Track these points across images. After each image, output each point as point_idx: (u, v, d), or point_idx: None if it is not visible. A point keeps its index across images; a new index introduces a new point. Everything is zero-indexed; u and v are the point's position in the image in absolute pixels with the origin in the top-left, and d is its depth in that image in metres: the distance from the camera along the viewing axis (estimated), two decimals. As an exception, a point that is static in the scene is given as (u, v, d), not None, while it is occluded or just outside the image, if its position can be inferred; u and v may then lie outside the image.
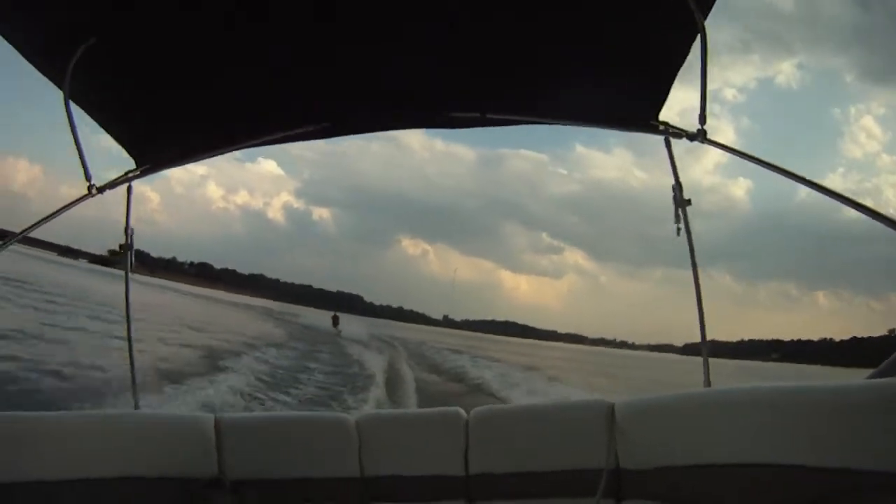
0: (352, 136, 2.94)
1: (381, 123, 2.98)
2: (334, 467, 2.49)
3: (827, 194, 2.10)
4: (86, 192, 2.58)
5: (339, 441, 2.52)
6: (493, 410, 2.60)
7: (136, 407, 2.86)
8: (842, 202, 2.05)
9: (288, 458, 2.50)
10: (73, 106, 2.43)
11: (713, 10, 2.08)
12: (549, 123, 2.91)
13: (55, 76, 2.33)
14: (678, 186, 2.58)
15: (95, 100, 2.52)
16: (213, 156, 3.01)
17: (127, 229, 2.85)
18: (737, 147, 2.38)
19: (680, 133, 2.50)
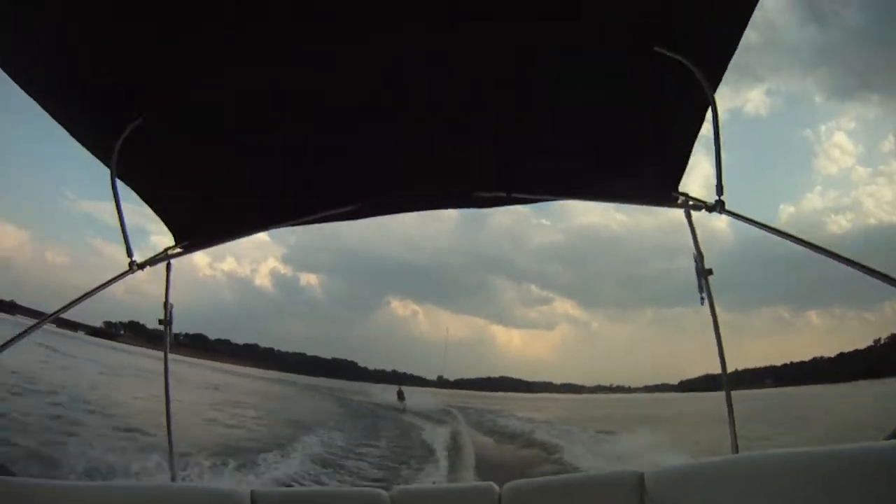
0: None
1: (412, 205, 3.03)
2: None
3: (846, 263, 2.09)
4: (127, 268, 2.62)
5: None
6: (526, 484, 2.57)
7: (173, 479, 2.85)
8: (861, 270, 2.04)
9: None
10: (118, 183, 2.45)
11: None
12: (572, 199, 3.01)
13: (101, 153, 2.36)
14: (699, 257, 2.60)
15: (140, 177, 2.55)
16: (251, 234, 3.06)
17: (166, 305, 2.87)
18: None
19: (700, 205, 2.51)
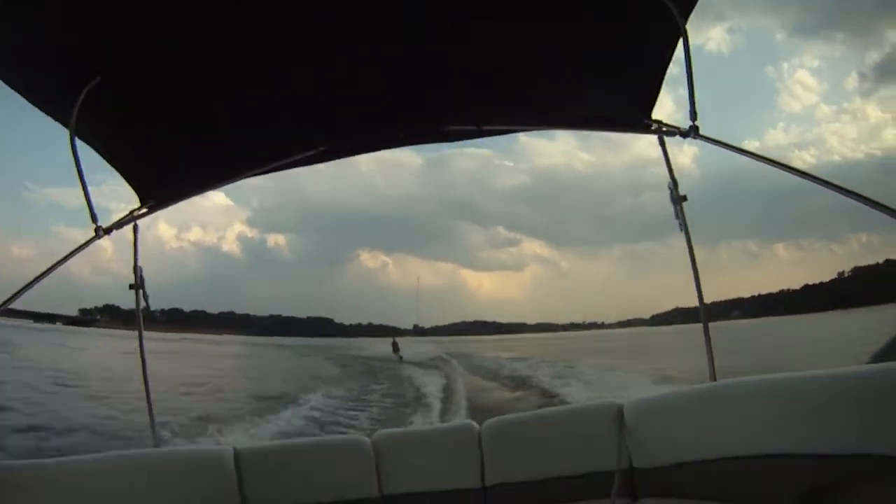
0: None
1: (379, 142, 2.95)
2: (354, 489, 2.49)
3: (823, 184, 2.08)
4: (93, 234, 2.53)
5: (357, 463, 2.52)
6: (504, 421, 2.60)
7: (156, 445, 2.84)
8: (837, 191, 2.02)
9: (308, 484, 2.49)
10: (78, 145, 2.38)
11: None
12: (544, 129, 2.98)
13: (60, 116, 2.29)
14: (674, 184, 2.60)
15: (101, 136, 2.48)
16: (217, 188, 3.00)
17: (136, 268, 2.81)
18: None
19: (673, 131, 2.51)
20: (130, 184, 2.73)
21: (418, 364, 28.63)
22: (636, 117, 2.61)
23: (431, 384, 19.04)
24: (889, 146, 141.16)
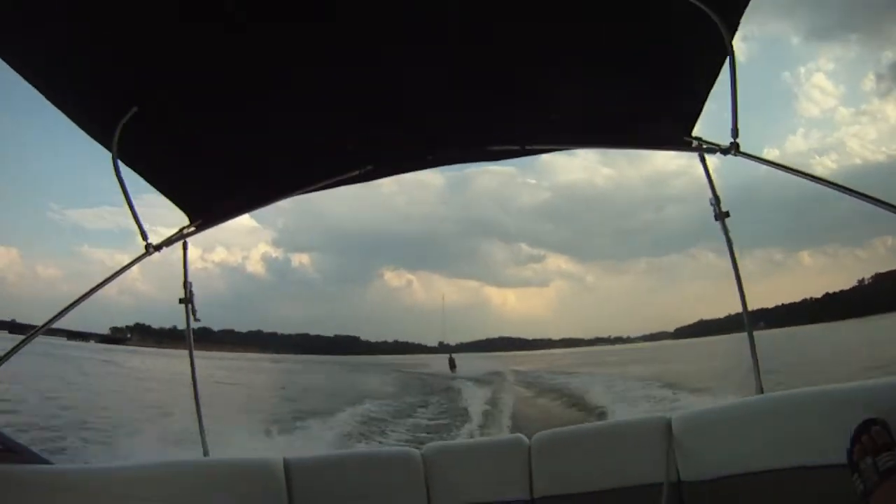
0: None
1: (423, 161, 2.94)
2: (403, 501, 2.47)
3: (861, 197, 2.06)
4: (143, 251, 2.60)
5: (407, 475, 2.50)
6: (554, 434, 2.58)
7: (206, 453, 2.83)
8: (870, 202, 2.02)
9: (359, 496, 2.48)
10: (122, 167, 2.42)
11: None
12: (588, 147, 2.95)
13: (102, 138, 2.33)
14: (716, 200, 2.59)
15: (144, 159, 2.51)
16: (263, 206, 3.02)
17: (185, 283, 2.87)
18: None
19: (714, 148, 2.50)
20: (176, 204, 2.78)
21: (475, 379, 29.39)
22: (678, 135, 2.61)
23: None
24: None
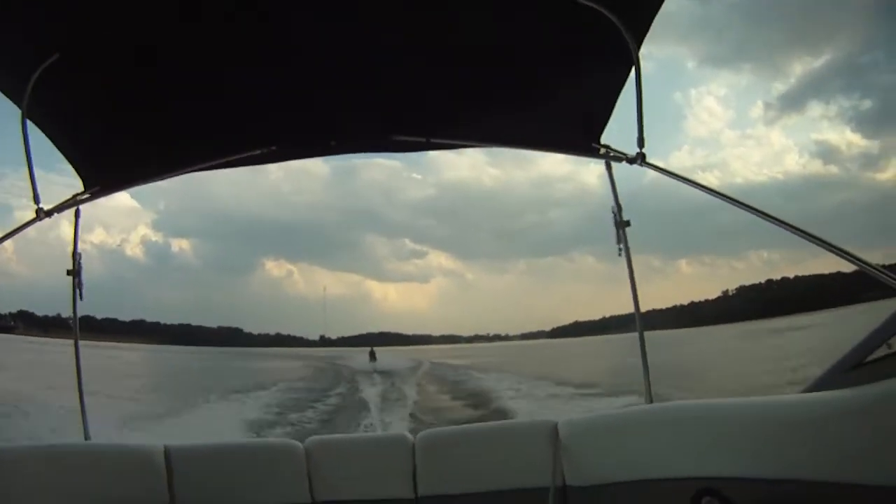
0: None
1: (327, 147, 2.91)
2: (285, 494, 2.42)
3: (767, 219, 2.08)
4: (34, 215, 2.46)
5: (289, 467, 2.45)
6: (439, 433, 2.58)
7: (87, 437, 2.69)
8: (788, 229, 2.01)
9: (239, 486, 2.42)
10: (28, 125, 2.32)
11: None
12: (492, 146, 2.93)
13: (13, 92, 2.22)
14: (618, 209, 2.60)
15: (51, 118, 2.41)
16: (162, 179, 2.93)
17: (75, 254, 2.72)
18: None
19: (620, 157, 2.52)
20: (75, 167, 2.66)
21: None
22: (585, 141, 2.61)
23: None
24: (790, 171, 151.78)
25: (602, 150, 2.60)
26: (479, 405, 16.71)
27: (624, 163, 2.50)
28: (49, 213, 2.50)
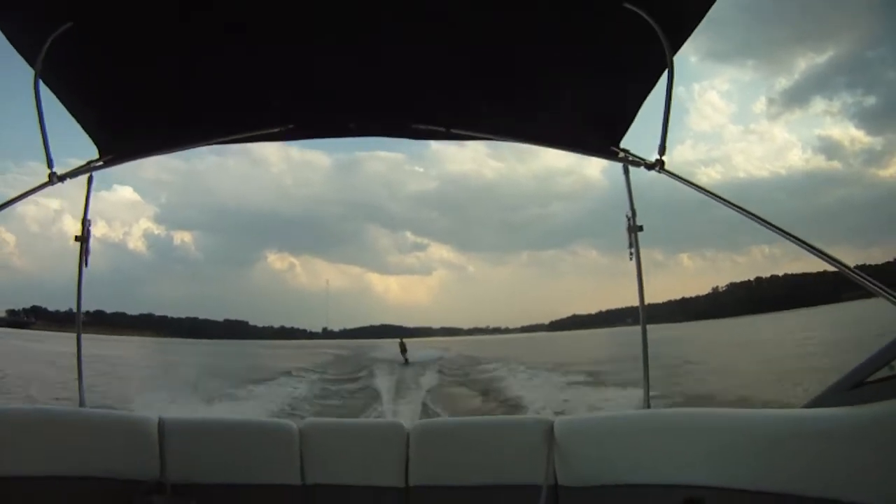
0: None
1: (345, 129, 2.82)
2: (276, 474, 2.37)
3: (782, 235, 2.01)
4: (46, 179, 2.38)
5: (282, 448, 2.40)
6: (435, 424, 2.57)
7: (82, 403, 2.66)
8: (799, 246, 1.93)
9: (230, 463, 2.37)
10: (42, 88, 2.25)
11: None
12: (511, 141, 2.84)
13: (28, 54, 2.15)
14: (632, 213, 2.55)
15: (66, 83, 2.34)
16: (177, 150, 2.86)
17: (84, 220, 2.68)
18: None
19: (639, 162, 2.44)
20: (90, 134, 2.58)
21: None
22: (605, 143, 2.54)
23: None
24: (793, 166, 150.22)
25: (621, 154, 2.53)
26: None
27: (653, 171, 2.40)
28: (62, 178, 2.43)
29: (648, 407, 2.47)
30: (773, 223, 2.01)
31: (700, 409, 2.10)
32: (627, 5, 1.97)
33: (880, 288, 1.72)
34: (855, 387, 1.71)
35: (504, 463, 2.32)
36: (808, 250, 1.89)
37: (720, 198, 2.17)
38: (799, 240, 1.93)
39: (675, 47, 2.09)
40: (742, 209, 2.09)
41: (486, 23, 2.12)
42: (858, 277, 1.79)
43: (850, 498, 1.54)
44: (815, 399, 1.84)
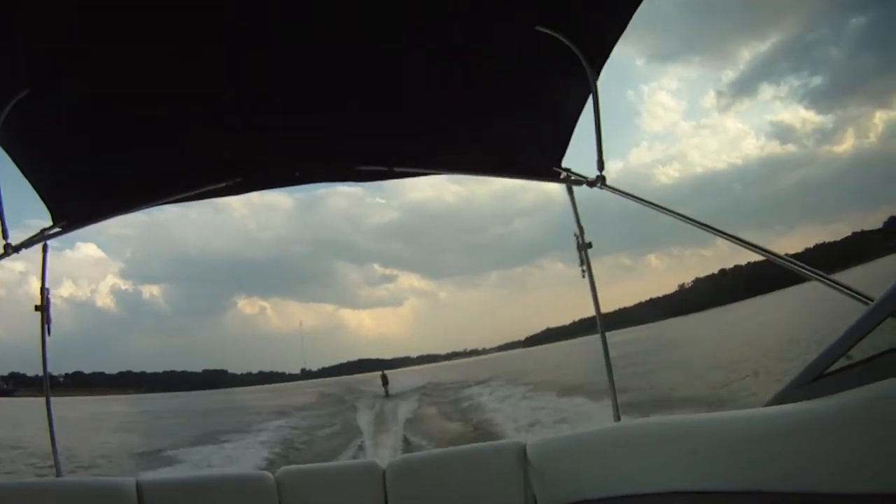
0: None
1: (290, 178, 2.87)
2: None
3: (735, 242, 2.07)
4: (1, 250, 2.35)
5: (260, 499, 2.39)
6: (409, 459, 2.57)
7: (59, 474, 2.62)
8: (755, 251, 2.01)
9: None
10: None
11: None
12: (454, 174, 2.93)
13: None
14: (580, 231, 2.60)
15: (21, 150, 2.34)
16: (129, 212, 2.87)
17: (43, 289, 2.63)
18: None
19: (581, 180, 2.50)
20: (44, 201, 2.59)
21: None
22: (546, 166, 2.62)
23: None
24: (749, 155, 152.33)
25: (563, 175, 2.61)
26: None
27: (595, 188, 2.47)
28: (17, 248, 2.42)
29: (619, 419, 2.50)
30: (707, 223, 2.12)
31: (670, 417, 2.15)
32: (541, 29, 2.05)
33: (811, 271, 1.84)
34: (815, 379, 1.72)
35: (481, 490, 2.33)
36: (744, 246, 2.00)
37: (658, 206, 2.26)
38: (732, 237, 2.03)
39: (597, 69, 2.18)
40: (677, 213, 2.20)
41: (415, 60, 2.21)
42: (790, 264, 1.91)
43: (823, 489, 1.54)
44: (777, 395, 1.86)
